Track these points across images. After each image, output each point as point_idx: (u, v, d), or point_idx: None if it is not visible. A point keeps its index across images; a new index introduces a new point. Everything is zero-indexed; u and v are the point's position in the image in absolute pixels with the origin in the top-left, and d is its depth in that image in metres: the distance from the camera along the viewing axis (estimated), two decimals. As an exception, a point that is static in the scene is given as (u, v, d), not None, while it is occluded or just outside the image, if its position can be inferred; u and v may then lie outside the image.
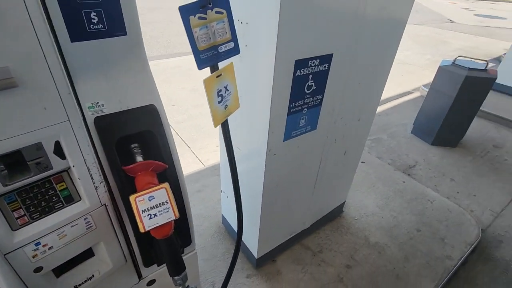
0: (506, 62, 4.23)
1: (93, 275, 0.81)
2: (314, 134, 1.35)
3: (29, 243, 0.66)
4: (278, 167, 1.31)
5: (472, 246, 1.95)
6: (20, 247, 0.65)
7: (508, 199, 2.52)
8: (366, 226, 2.07)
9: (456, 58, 2.96)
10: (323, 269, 1.76)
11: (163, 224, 0.69)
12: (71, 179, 0.72)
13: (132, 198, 0.67)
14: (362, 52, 1.26)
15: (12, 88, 0.58)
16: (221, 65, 0.88)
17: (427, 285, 1.70)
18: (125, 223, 0.80)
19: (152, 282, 1.01)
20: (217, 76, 0.91)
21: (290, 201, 1.55)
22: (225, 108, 0.98)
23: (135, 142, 0.81)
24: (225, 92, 0.96)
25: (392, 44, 1.41)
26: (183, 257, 1.04)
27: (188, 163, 2.82)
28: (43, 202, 0.69)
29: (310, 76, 1.13)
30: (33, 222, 0.68)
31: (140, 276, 0.96)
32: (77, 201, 0.73)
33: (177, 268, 0.79)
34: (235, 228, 1.80)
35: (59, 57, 0.62)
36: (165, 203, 0.70)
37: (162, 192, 0.70)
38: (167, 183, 0.71)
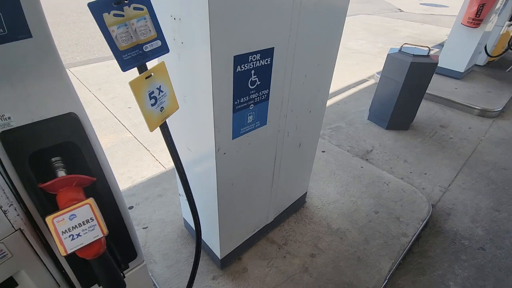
0: (447, 47, 4.56)
1: (20, 306, 0.72)
2: (265, 129, 1.34)
3: None
4: (231, 165, 1.29)
5: (424, 222, 2.09)
6: None
7: (454, 174, 2.74)
8: (328, 213, 2.13)
9: (402, 46, 3.12)
10: (289, 261, 1.78)
11: (89, 243, 0.63)
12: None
13: (48, 219, 0.60)
14: (304, 44, 1.26)
15: None
16: (152, 65, 0.83)
17: (385, 263, 1.79)
18: (51, 246, 0.72)
19: (98, 302, 0.94)
20: (147, 77, 0.85)
21: (249, 198, 1.54)
22: (161, 111, 0.92)
23: (56, 155, 0.73)
24: (159, 94, 0.90)
25: (335, 34, 1.43)
26: (129, 272, 0.98)
27: (148, 166, 2.69)
28: None
29: (253, 72, 1.11)
30: None
31: (82, 299, 0.89)
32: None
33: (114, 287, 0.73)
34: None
35: None
36: (90, 221, 0.63)
37: (86, 209, 0.63)
38: (91, 198, 0.65)
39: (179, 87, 1.19)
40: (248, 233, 1.74)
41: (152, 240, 1.88)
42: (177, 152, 1.03)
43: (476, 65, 5.19)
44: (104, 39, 0.70)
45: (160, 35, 0.83)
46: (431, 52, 3.06)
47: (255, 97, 1.19)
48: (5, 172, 0.65)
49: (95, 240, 0.64)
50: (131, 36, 0.76)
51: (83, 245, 0.62)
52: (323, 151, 2.81)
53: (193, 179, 1.46)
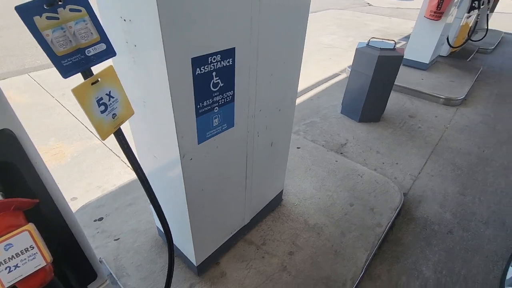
0: (412, 40, 4.74)
1: None
2: (233, 131, 1.30)
3: None
4: (199, 171, 1.24)
5: (397, 211, 2.16)
6: None
7: (423, 162, 2.86)
8: (305, 210, 2.14)
9: (369, 40, 3.19)
10: (267, 261, 1.77)
11: (30, 274, 0.57)
12: None
13: (-22, 252, 0.53)
14: (267, 43, 1.23)
15: None
16: (99, 69, 0.76)
17: (361, 255, 1.83)
18: (-9, 278, 0.65)
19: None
20: (93, 83, 0.79)
21: (222, 202, 1.50)
22: (113, 117, 0.86)
23: (-9, 177, 0.65)
24: (109, 100, 0.84)
25: (298, 31, 1.41)
26: (89, 295, 0.91)
27: (119, 174, 2.58)
28: None
29: (214, 73, 1.06)
30: None
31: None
32: None
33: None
34: (174, 240, 1.70)
35: None
36: (30, 249, 0.57)
37: (24, 237, 0.57)
38: (31, 224, 0.59)
39: (137, 92, 1.13)
40: (224, 236, 1.71)
41: (125, 252, 1.79)
42: (136, 160, 0.98)
43: (440, 56, 5.43)
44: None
45: (104, 38, 0.77)
46: (398, 45, 3.16)
47: (219, 100, 1.15)
48: None
49: (38, 270, 0.58)
50: (70, 40, 0.70)
51: (22, 276, 0.56)
52: (298, 147, 2.82)
53: (162, 187, 1.40)
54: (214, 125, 1.19)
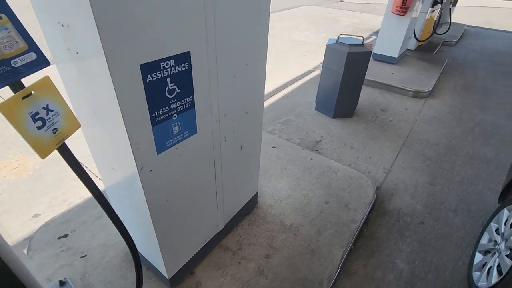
0: (381, 35, 4.85)
1: None
2: (196, 138, 1.25)
3: None
4: (162, 182, 1.18)
5: (370, 205, 2.20)
6: None
7: (395, 155, 2.93)
8: (281, 210, 2.12)
9: (339, 37, 3.22)
10: (244, 266, 1.74)
11: None
12: None
13: None
14: (226, 45, 1.19)
15: None
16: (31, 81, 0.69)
17: (337, 252, 1.84)
18: None
19: None
20: (25, 97, 0.72)
21: (191, 210, 1.45)
22: (54, 132, 0.79)
23: None
24: (48, 114, 0.77)
25: (260, 31, 1.38)
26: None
27: (76, 185, 2.45)
28: None
29: (169, 79, 1.01)
30: None
31: None
32: None
33: None
34: (143, 252, 1.62)
35: None
36: None
37: None
38: None
39: (86, 102, 1.05)
40: (198, 245, 1.66)
41: (92, 268, 1.69)
42: (87, 176, 0.91)
43: (408, 49, 5.62)
44: None
45: (33, 47, 0.70)
46: (369, 40, 3.22)
47: (177, 106, 1.09)
48: None
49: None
50: (-10, 52, 0.62)
51: None
52: (273, 147, 2.80)
53: (124, 199, 1.33)
54: (174, 133, 1.13)
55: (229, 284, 1.65)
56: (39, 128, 0.76)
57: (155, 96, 0.98)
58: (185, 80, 1.07)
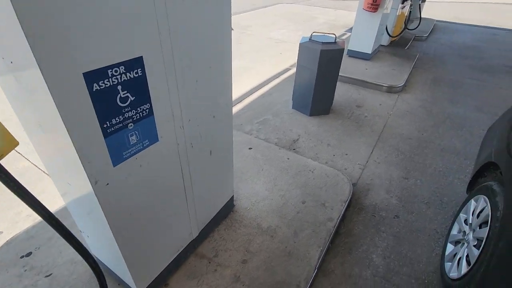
0: (354, 32, 4.92)
1: None
2: (158, 146, 1.19)
3: None
4: (121, 194, 1.12)
5: (347, 202, 2.21)
6: None
7: (370, 150, 2.97)
8: (258, 213, 2.10)
9: (312, 35, 3.23)
10: (220, 274, 1.69)
11: None
12: None
13: None
14: (184, 48, 1.14)
15: None
16: None
17: (314, 252, 1.84)
18: None
19: None
20: None
21: (159, 221, 1.39)
22: (-16, 155, 0.71)
23: None
24: (-27, 134, 0.69)
25: (221, 32, 1.33)
26: None
27: (53, 198, 2.31)
28: None
29: (120, 87, 0.94)
30: None
31: None
32: None
33: None
34: (112, 267, 1.55)
35: None
36: None
37: None
38: None
39: (30, 115, 0.97)
40: (171, 255, 1.60)
41: (59, 287, 1.60)
42: (31, 197, 0.84)
43: (381, 45, 5.74)
44: None
45: None
46: (344, 37, 3.24)
47: (132, 115, 1.03)
48: None
49: None
50: None
51: None
52: (250, 148, 2.77)
53: (84, 214, 1.26)
54: (131, 143, 1.07)
55: (204, 293, 1.60)
56: (-36, 148, 0.69)
57: (105, 105, 0.92)
58: (139, 87, 1.01)
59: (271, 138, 3.06)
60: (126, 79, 0.95)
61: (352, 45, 5.05)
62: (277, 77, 4.63)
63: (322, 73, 3.17)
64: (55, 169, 1.17)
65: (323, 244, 1.89)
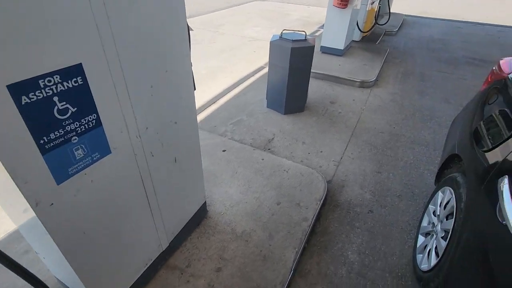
0: (326, 28, 4.96)
1: None
2: (112, 158, 1.11)
3: None
4: (71, 214, 1.03)
5: (321, 201, 2.21)
6: None
7: (344, 146, 3.00)
8: (233, 217, 2.05)
9: (282, 32, 3.20)
10: (193, 285, 1.63)
11: None
12: None
13: None
14: (132, 52, 1.06)
15: None
16: None
17: (289, 254, 1.81)
18: None
19: None
20: None
21: (120, 237, 1.30)
22: None
23: None
24: None
25: (176, 33, 1.26)
26: None
27: (4, 216, 2.14)
28: None
29: (56, 98, 0.86)
30: None
31: None
32: None
33: None
34: (73, 288, 1.44)
35: None
36: None
37: None
38: None
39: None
40: (138, 270, 1.52)
41: (15, 315, 1.47)
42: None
43: (353, 41, 5.83)
44: None
45: None
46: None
47: (76, 128, 0.94)
48: None
49: None
50: None
51: None
52: (224, 150, 2.71)
53: (35, 237, 1.15)
54: (78, 157, 0.98)
55: (177, 307, 1.53)
56: None
57: (40, 119, 0.83)
58: (81, 97, 0.93)
59: (246, 139, 3.02)
60: (63, 89, 0.87)
61: (324, 42, 5.09)
62: (252, 76, 4.58)
63: (294, 71, 3.15)
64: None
65: (299, 245, 1.87)
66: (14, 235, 1.90)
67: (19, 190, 0.84)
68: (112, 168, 1.13)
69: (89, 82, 0.93)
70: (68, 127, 0.92)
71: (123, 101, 1.08)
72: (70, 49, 0.85)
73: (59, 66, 0.83)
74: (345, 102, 3.85)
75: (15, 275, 0.99)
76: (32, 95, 0.79)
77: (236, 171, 2.47)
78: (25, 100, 0.78)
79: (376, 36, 6.44)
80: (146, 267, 1.56)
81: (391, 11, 6.88)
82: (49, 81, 0.82)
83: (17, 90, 0.76)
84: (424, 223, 1.93)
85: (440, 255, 1.52)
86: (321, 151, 2.91)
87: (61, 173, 0.94)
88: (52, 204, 0.95)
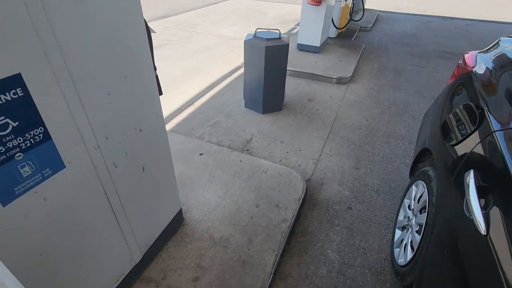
0: (302, 26, 4.97)
1: None
2: (67, 173, 1.03)
3: None
4: (22, 236, 0.95)
5: (300, 200, 2.19)
6: None
7: (322, 144, 3.00)
8: (210, 223, 1.99)
9: (256, 31, 3.16)
10: (169, 297, 1.57)
11: None
12: None
13: None
14: (82, 59, 0.98)
15: None
16: None
17: (269, 258, 1.79)
18: None
19: None
20: None
21: (85, 255, 1.22)
22: None
23: None
24: None
25: (133, 35, 1.19)
26: None
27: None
28: None
29: (-8, 113, 0.78)
30: None
31: None
32: None
33: None
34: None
35: None
36: None
37: None
38: None
39: None
40: (109, 286, 1.44)
41: None
42: None
43: (329, 37, 5.87)
44: None
45: None
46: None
47: (19, 143, 0.86)
48: None
49: None
50: None
51: None
52: (200, 154, 2.64)
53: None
54: (25, 175, 0.90)
55: (152, 322, 1.47)
56: None
57: (-28, 137, 0.75)
58: (23, 110, 0.85)
59: (224, 141, 2.96)
60: (2, 103, 0.79)
61: (301, 39, 5.09)
62: (229, 76, 4.52)
63: (269, 69, 3.12)
64: None
65: (278, 248, 1.85)
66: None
67: (-47, 217, 0.76)
68: (68, 184, 1.05)
69: (31, 94, 0.85)
70: (9, 144, 0.83)
71: (75, 112, 1.01)
72: (5, 59, 0.77)
73: (-8, 77, 0.75)
74: (323, 99, 3.87)
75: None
76: (-40, 111, 0.71)
77: (213, 174, 2.41)
78: (-49, 117, 0.70)
79: (352, 32, 6.53)
80: (118, 283, 1.48)
81: (365, 7, 7.00)
82: (-19, 94, 0.74)
83: None
84: (400, 217, 1.95)
85: (415, 249, 1.54)
86: (300, 150, 2.90)
87: (6, 194, 0.86)
88: (-2, 228, 0.86)
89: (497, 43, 1.81)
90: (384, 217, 2.21)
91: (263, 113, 3.46)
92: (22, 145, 0.87)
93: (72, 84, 0.97)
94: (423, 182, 1.69)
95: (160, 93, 1.47)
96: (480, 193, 1.04)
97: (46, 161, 0.95)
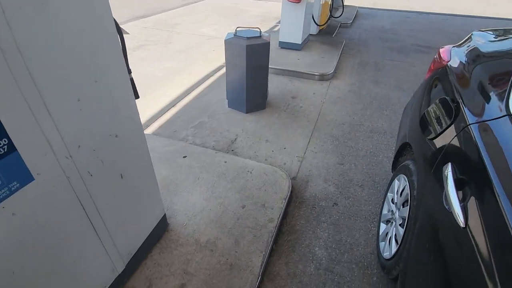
0: (283, 24, 4.97)
1: None
2: (36, 185, 0.97)
3: None
4: (-11, 256, 0.88)
5: (286, 199, 2.19)
6: None
7: (307, 141, 3.01)
8: (196, 227, 1.96)
9: (236, 30, 3.12)
10: (155, 306, 1.53)
11: None
12: None
13: None
14: (46, 64, 0.93)
15: None
16: None
17: (256, 259, 1.77)
18: None
19: None
20: None
21: (61, 270, 1.17)
22: None
23: None
24: None
25: (101, 36, 1.14)
26: None
27: None
28: None
29: None
30: None
31: None
32: None
33: None
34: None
35: None
36: None
37: None
38: None
39: None
40: (91, 300, 1.38)
41: None
42: None
43: (311, 34, 5.91)
44: None
45: None
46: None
47: (-21, 157, 0.80)
48: None
49: None
50: None
51: None
52: (184, 157, 2.59)
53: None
54: (-12, 191, 0.84)
55: (138, 333, 1.43)
56: None
57: None
58: (-19, 121, 0.79)
59: (208, 142, 2.92)
60: (-47, 114, 0.73)
61: (282, 37, 5.09)
62: (212, 75, 4.46)
63: (251, 68, 3.10)
64: None
65: (266, 248, 1.84)
66: None
67: None
68: (38, 197, 0.99)
69: (-10, 103, 0.79)
70: (-33, 158, 0.77)
71: (42, 120, 0.95)
72: (-44, 66, 0.71)
73: None
74: (306, 96, 3.88)
75: None
76: None
77: (198, 177, 2.37)
78: None
79: (332, 28, 6.60)
80: (100, 295, 1.43)
81: (344, 3, 7.08)
82: None
83: None
84: (385, 210, 1.98)
85: (399, 243, 1.56)
86: (285, 148, 2.90)
87: (-35, 213, 0.80)
88: (-42, 249, 0.80)
89: (470, 37, 1.86)
90: (370, 212, 2.24)
91: (247, 112, 3.44)
92: (-17, 159, 0.81)
93: (36, 91, 0.91)
94: (405, 176, 1.72)
95: (137, 96, 1.42)
96: (458, 186, 1.06)
97: (13, 174, 0.89)
